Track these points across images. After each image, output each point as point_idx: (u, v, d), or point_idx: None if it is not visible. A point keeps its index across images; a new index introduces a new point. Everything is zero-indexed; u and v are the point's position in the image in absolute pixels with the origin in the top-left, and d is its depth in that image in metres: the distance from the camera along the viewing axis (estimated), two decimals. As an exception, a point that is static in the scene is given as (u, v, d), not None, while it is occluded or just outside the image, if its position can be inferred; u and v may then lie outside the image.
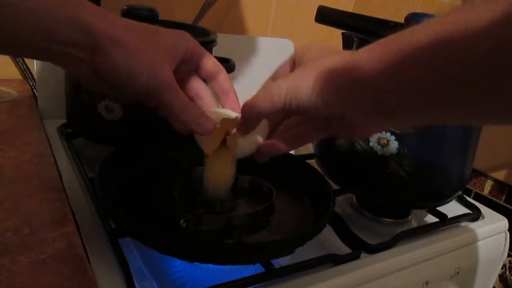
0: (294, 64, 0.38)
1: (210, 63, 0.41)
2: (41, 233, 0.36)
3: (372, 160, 0.49)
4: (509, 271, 0.90)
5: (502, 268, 0.90)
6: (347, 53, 0.32)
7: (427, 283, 0.51)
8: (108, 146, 0.51)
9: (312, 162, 0.57)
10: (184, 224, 0.41)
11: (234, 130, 0.39)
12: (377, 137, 0.49)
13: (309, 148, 0.75)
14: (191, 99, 0.41)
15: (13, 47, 0.30)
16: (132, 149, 0.51)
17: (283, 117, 0.41)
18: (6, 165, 0.46)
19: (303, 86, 0.32)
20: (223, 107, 0.42)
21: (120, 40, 0.33)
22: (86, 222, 0.44)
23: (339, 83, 0.31)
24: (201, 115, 0.38)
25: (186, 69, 0.40)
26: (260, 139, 0.39)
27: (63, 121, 0.64)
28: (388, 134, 0.48)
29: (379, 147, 0.49)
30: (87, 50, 0.32)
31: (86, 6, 0.31)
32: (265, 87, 0.35)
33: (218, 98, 0.42)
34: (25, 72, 0.75)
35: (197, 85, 0.42)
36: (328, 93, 0.31)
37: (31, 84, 0.75)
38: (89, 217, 0.45)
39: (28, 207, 0.39)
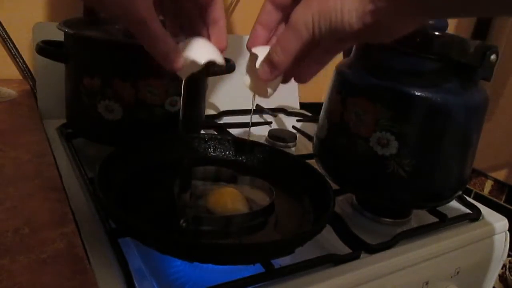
0: None
1: None
2: (41, 233, 0.36)
3: (372, 160, 0.49)
4: (509, 271, 0.90)
5: (502, 268, 0.90)
6: None
7: (427, 283, 0.51)
8: (108, 146, 0.51)
9: (312, 162, 0.57)
10: (184, 224, 0.41)
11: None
12: (377, 137, 0.49)
13: (309, 148, 0.75)
14: (183, 23, 0.41)
15: None
16: (132, 149, 0.51)
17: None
18: (6, 165, 0.46)
19: (331, 8, 0.31)
20: (210, 36, 0.41)
21: None
22: (86, 222, 0.44)
23: None
24: (169, 52, 0.37)
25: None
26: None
27: (63, 121, 0.64)
28: (388, 134, 0.48)
29: (379, 147, 0.49)
30: None
31: None
32: (287, 25, 0.33)
33: (207, 26, 0.41)
34: (25, 72, 0.75)
35: (189, 10, 0.40)
36: (361, 6, 0.30)
37: (31, 84, 0.75)
38: (89, 217, 0.45)
39: (28, 207, 0.39)
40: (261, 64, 0.36)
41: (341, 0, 0.30)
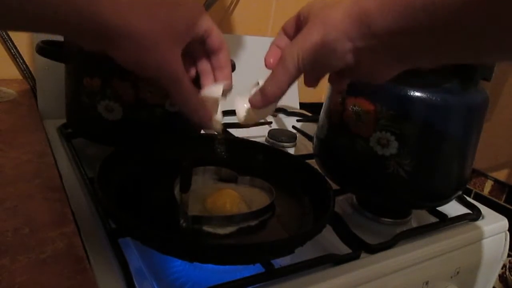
0: (299, 20, 0.38)
1: (216, 39, 0.42)
2: (41, 233, 0.36)
3: (372, 160, 0.49)
4: (509, 271, 0.90)
5: (502, 268, 0.90)
6: (352, 1, 0.32)
7: (427, 283, 0.51)
8: (108, 146, 0.51)
9: (312, 162, 0.57)
10: (184, 224, 0.41)
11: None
12: (377, 137, 0.49)
13: (309, 148, 0.75)
14: (198, 73, 0.44)
15: (24, 22, 0.30)
16: (132, 149, 0.51)
17: None
18: (6, 165, 0.46)
19: (313, 46, 0.32)
20: (216, 78, 0.44)
21: (132, 34, 0.33)
22: (86, 222, 0.44)
23: (349, 33, 0.31)
24: (200, 107, 0.41)
25: (196, 42, 0.41)
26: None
27: (63, 121, 0.64)
28: (388, 134, 0.48)
29: (379, 147, 0.49)
30: (99, 41, 0.33)
31: None
32: (279, 60, 0.36)
33: (213, 70, 0.44)
34: (25, 72, 0.75)
35: (204, 62, 0.44)
36: (340, 44, 0.32)
37: (31, 84, 0.75)
38: (89, 217, 0.45)
39: (28, 207, 0.39)
40: (255, 93, 0.39)
41: (323, 38, 0.32)
